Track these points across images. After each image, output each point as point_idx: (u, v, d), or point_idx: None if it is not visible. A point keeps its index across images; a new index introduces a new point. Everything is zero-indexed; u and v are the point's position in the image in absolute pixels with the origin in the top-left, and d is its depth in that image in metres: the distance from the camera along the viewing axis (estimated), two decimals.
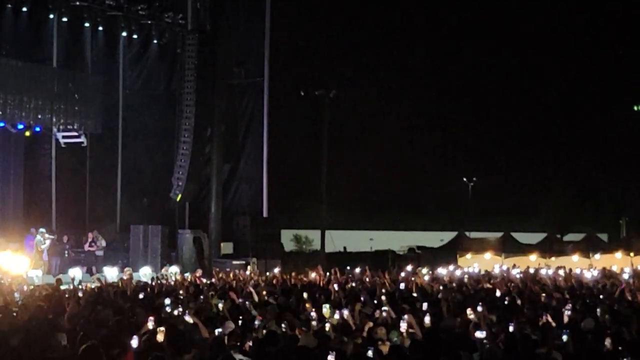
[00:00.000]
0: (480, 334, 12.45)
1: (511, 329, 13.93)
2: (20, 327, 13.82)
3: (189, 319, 14.36)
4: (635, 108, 65.91)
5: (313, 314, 14.94)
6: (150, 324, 13.17)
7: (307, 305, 16.08)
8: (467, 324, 14.55)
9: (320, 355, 11.41)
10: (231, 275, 28.55)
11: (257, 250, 37.59)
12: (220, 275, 28.69)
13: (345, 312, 14.84)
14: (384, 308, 15.83)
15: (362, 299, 19.56)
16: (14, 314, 15.68)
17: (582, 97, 78.06)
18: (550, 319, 15.37)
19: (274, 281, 26.89)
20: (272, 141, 40.02)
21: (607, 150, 75.88)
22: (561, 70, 79.81)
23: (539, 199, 74.50)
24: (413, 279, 27.58)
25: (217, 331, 13.36)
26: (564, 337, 12.82)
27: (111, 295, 19.92)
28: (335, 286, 23.50)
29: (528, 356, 11.29)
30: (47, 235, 31.98)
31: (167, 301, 17.21)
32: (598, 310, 17.00)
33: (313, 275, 28.79)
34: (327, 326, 14.03)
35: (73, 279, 25.24)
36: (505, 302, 19.68)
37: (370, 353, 11.19)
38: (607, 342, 12.34)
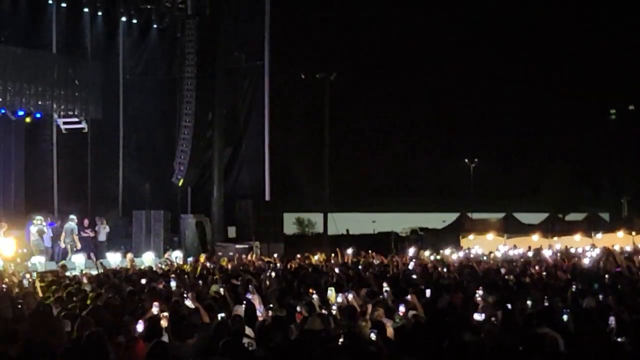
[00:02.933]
0: (478, 317, 12.46)
1: (512, 309, 13.98)
2: (24, 315, 13.88)
3: (190, 303, 14.40)
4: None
5: (315, 296, 14.95)
6: (155, 309, 13.21)
7: (310, 289, 16.08)
8: (469, 306, 14.58)
9: (327, 339, 11.46)
10: (235, 260, 28.51)
11: (260, 233, 37.61)
12: (224, 260, 28.68)
13: (350, 295, 14.86)
14: (385, 289, 15.85)
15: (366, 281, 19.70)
16: (19, 301, 15.68)
17: (582, 80, 77.96)
18: (551, 299, 15.41)
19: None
20: (274, 125, 39.96)
21: (607, 131, 75.82)
22: (563, 51, 79.67)
23: (540, 179, 74.55)
24: (416, 260, 27.67)
25: (220, 316, 13.41)
26: (565, 317, 12.84)
27: (114, 281, 19.95)
28: (337, 269, 23.59)
29: (529, 336, 11.30)
30: (39, 223, 31.65)
31: (172, 284, 17.23)
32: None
33: (316, 257, 28.82)
34: (333, 309, 14.08)
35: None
36: (507, 283, 19.73)
37: (373, 335, 11.21)
38: (611, 320, 12.33)
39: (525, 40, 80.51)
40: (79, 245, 32.28)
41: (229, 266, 25.97)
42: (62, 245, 32.19)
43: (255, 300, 14.30)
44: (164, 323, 12.50)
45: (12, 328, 11.94)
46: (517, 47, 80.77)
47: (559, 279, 20.55)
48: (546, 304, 14.89)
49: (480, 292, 15.83)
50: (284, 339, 11.27)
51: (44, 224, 31.86)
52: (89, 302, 14.85)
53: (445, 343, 10.67)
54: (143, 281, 19.75)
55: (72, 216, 32.83)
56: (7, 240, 29.05)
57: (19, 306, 14.95)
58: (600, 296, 15.84)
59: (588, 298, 15.51)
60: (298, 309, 13.77)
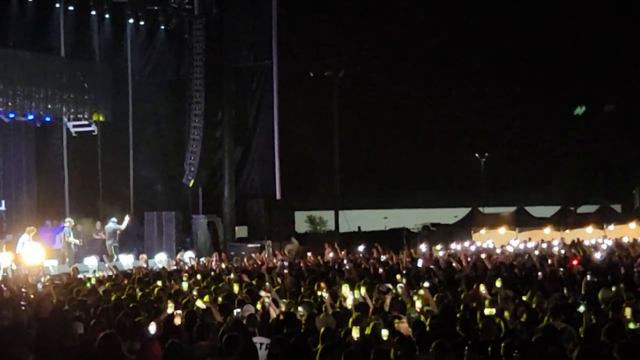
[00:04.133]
0: (489, 311, 12.40)
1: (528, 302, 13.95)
2: (37, 317, 13.89)
3: (201, 304, 14.39)
4: None
5: (325, 294, 14.91)
6: (169, 310, 13.21)
7: (322, 285, 16.06)
8: (482, 300, 14.55)
9: (340, 335, 11.44)
10: (246, 260, 28.49)
11: (272, 232, 37.63)
12: (236, 259, 28.68)
13: (363, 291, 14.84)
14: (399, 285, 15.82)
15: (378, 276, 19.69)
16: (28, 304, 15.70)
17: (593, 71, 77.78)
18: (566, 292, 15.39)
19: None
20: (283, 123, 39.91)
21: (618, 122, 75.63)
22: (571, 42, 79.49)
23: (551, 172, 74.42)
24: (428, 255, 27.63)
25: (236, 311, 13.41)
26: (581, 308, 12.79)
27: (127, 282, 19.97)
28: (348, 266, 23.58)
29: (545, 329, 11.27)
30: (72, 225, 31.72)
31: (185, 286, 17.23)
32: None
33: (331, 255, 28.75)
34: (348, 304, 14.06)
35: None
36: (522, 276, 19.69)
37: (385, 332, 11.19)
38: (628, 312, 12.27)
39: (533, 33, 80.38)
40: (117, 245, 32.67)
41: (243, 265, 25.98)
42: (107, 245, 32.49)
43: (271, 297, 14.27)
44: (177, 321, 12.52)
45: (26, 332, 11.95)
46: (525, 41, 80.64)
47: (573, 271, 20.46)
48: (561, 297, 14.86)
49: (493, 285, 15.78)
50: (297, 336, 11.24)
51: (114, 220, 32.56)
52: (101, 304, 14.83)
53: (459, 339, 10.66)
54: (156, 282, 19.75)
55: (113, 218, 33.11)
56: (34, 245, 28.97)
57: (32, 310, 14.96)
58: (613, 288, 15.81)
59: (604, 289, 15.46)
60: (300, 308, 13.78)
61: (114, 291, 17.79)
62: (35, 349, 10.70)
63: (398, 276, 18.03)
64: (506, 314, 13.15)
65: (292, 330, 11.87)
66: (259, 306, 14.14)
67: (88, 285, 19.63)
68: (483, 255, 26.59)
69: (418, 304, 13.44)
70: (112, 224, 32.73)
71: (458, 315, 13.17)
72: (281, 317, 13.34)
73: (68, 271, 25.31)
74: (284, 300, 14.74)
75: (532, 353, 9.76)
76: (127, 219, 32.79)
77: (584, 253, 27.46)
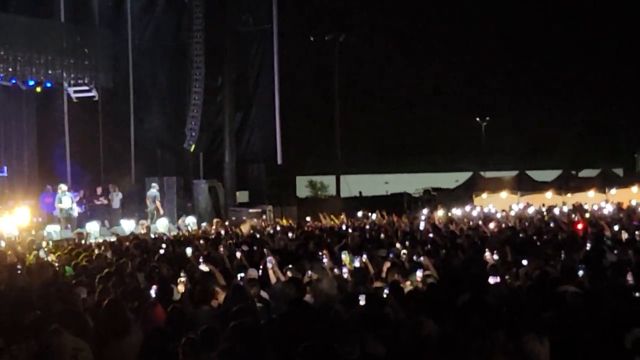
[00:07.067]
0: (493, 280, 12.40)
1: (529, 267, 13.95)
2: (37, 284, 13.93)
3: (204, 267, 14.42)
4: None
5: (325, 260, 14.93)
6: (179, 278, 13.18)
7: (325, 251, 16.07)
8: (484, 266, 14.55)
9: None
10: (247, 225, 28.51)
11: (273, 197, 37.66)
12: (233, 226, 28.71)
13: (364, 257, 14.85)
14: (403, 252, 15.82)
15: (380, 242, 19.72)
16: (29, 269, 15.75)
17: (597, 32, 77.46)
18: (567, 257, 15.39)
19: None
20: (284, 88, 39.83)
21: (620, 85, 75.43)
22: (575, 8, 79.12)
23: (553, 136, 74.37)
24: (429, 220, 27.64)
25: (240, 275, 13.43)
26: (580, 273, 12.81)
27: (130, 247, 20.01)
28: (350, 230, 23.61)
29: (548, 294, 11.27)
30: (63, 190, 31.84)
31: (189, 251, 17.30)
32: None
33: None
34: (345, 272, 14.05)
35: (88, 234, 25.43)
36: (523, 241, 19.69)
37: (385, 292, 11.21)
38: (629, 276, 12.28)
39: None
40: (161, 211, 33.22)
41: (244, 230, 26.00)
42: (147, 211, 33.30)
43: (273, 262, 14.29)
44: (181, 288, 12.54)
45: (25, 297, 11.98)
46: (528, 4, 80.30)
47: (575, 236, 20.47)
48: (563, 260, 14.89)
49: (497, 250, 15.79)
50: (299, 301, 11.25)
51: (154, 186, 33.63)
52: (105, 269, 14.86)
53: (460, 302, 10.66)
54: (158, 248, 19.82)
55: (153, 184, 33.77)
56: (21, 209, 29.19)
57: (32, 275, 15.01)
58: (615, 252, 15.82)
59: (608, 254, 15.48)
60: (309, 272, 13.76)
61: (116, 256, 17.83)
62: (35, 314, 10.70)
63: (398, 243, 18.02)
64: (508, 278, 13.17)
65: (294, 294, 11.87)
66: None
67: (95, 251, 19.68)
68: (483, 221, 26.58)
69: (419, 273, 13.44)
70: (153, 190, 33.49)
71: (458, 280, 13.17)
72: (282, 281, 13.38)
73: (71, 236, 25.41)
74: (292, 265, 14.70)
75: (534, 317, 9.77)
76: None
77: (583, 217, 27.42)
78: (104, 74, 35.80)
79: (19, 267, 16.09)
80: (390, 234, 22.16)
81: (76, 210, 31.52)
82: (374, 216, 29.52)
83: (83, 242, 22.96)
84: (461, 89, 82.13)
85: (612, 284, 11.89)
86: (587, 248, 16.68)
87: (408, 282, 12.75)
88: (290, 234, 22.83)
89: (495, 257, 15.21)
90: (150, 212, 33.12)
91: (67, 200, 31.04)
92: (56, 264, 17.15)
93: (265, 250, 16.44)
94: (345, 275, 13.73)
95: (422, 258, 14.70)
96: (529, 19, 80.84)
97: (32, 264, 16.86)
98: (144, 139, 38.60)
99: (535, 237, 20.41)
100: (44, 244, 22.09)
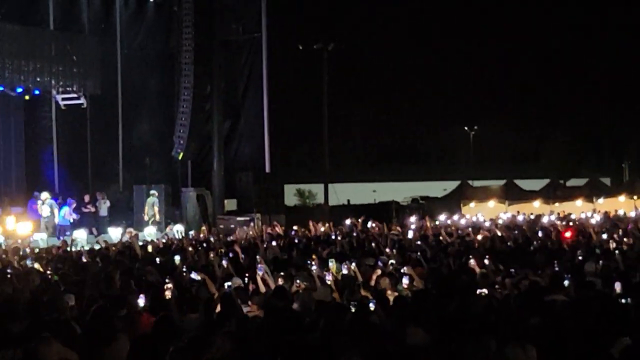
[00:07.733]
0: (481, 289, 12.37)
1: (518, 276, 13.96)
2: (25, 291, 13.87)
3: (195, 276, 14.39)
4: None
5: (314, 267, 14.89)
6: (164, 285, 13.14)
7: (314, 258, 16.06)
8: (472, 274, 14.56)
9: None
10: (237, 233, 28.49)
11: (261, 205, 37.61)
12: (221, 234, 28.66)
13: (353, 265, 14.82)
14: (391, 262, 15.82)
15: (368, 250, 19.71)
16: (16, 276, 15.69)
17: (584, 41, 77.76)
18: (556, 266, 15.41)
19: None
20: (273, 96, 39.83)
21: (608, 95, 75.73)
22: (566, 17, 79.47)
23: (540, 145, 74.59)
24: (417, 229, 27.64)
25: (227, 284, 13.41)
26: (566, 282, 12.82)
27: (116, 255, 19.96)
28: (339, 237, 23.59)
29: (536, 303, 11.27)
30: (47, 200, 31.99)
31: (177, 259, 17.23)
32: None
33: (322, 229, 28.74)
34: (329, 280, 14.01)
35: (73, 240, 25.37)
36: (511, 250, 19.73)
37: (372, 305, 11.17)
38: (617, 286, 12.29)
39: (524, 4, 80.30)
40: (158, 217, 33.42)
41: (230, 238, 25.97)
42: (145, 218, 33.84)
43: (264, 270, 14.28)
44: (168, 294, 12.50)
45: (14, 305, 11.93)
46: (517, 11, 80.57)
47: (563, 245, 20.51)
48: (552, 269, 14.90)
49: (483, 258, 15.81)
50: (287, 309, 11.24)
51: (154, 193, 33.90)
52: (92, 276, 14.81)
53: (449, 310, 10.66)
54: (146, 256, 19.78)
55: (152, 191, 33.88)
56: (8, 217, 29.18)
57: (20, 282, 14.96)
58: (601, 262, 15.83)
59: (588, 263, 15.53)
60: (298, 280, 13.72)
61: (103, 264, 17.80)
62: (24, 322, 10.65)
63: (387, 249, 18.04)
64: (496, 287, 13.18)
65: (284, 304, 11.85)
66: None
67: (83, 258, 19.62)
68: (471, 229, 26.61)
69: (405, 281, 13.43)
70: (153, 197, 33.89)
71: (447, 288, 13.17)
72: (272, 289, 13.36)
73: (57, 244, 25.32)
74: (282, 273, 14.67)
75: (520, 325, 9.78)
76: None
77: (572, 226, 27.49)
78: (92, 82, 35.68)
79: (8, 272, 16.04)
80: (379, 242, 22.15)
81: (57, 218, 31.71)
82: (369, 224, 29.44)
83: (68, 249, 22.87)
84: (449, 98, 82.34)
85: (599, 293, 11.91)
86: (577, 257, 16.72)
87: (395, 293, 12.73)
88: (274, 243, 22.70)
89: (486, 263, 15.22)
90: (149, 218, 33.48)
91: (45, 209, 31.23)
92: (44, 272, 17.07)
93: (257, 257, 16.45)
94: (329, 283, 13.69)
95: (404, 268, 14.67)
96: (517, 30, 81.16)
97: (19, 272, 16.79)
98: (132, 146, 38.56)
99: (523, 246, 20.44)
100: (28, 251, 22.02)
